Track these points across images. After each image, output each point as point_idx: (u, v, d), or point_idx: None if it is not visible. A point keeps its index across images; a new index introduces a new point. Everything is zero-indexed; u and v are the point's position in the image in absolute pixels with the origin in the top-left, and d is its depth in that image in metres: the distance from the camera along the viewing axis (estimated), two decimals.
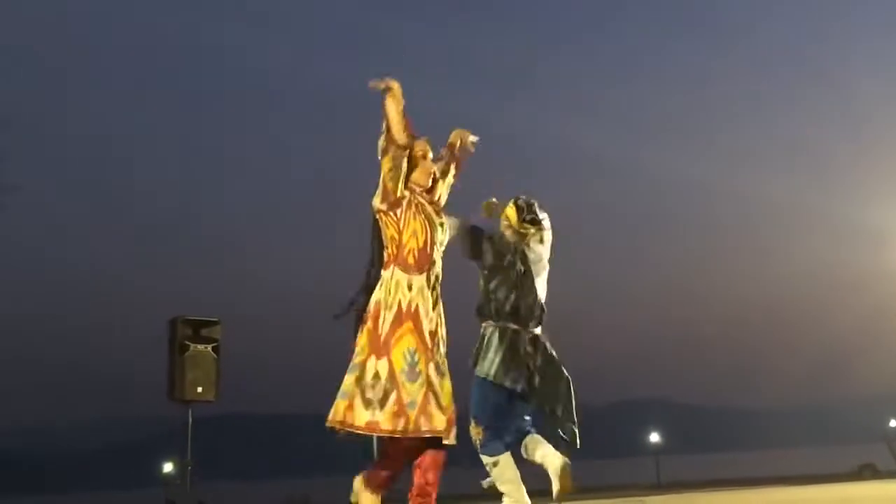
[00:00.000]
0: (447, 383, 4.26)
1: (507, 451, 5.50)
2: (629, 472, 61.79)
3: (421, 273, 4.31)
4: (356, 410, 4.13)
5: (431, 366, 4.22)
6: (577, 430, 5.58)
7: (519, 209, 5.71)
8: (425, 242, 4.34)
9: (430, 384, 4.17)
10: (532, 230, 5.70)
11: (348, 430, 4.15)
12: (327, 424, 4.16)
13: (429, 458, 4.26)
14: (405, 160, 4.36)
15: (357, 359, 4.22)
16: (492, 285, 5.65)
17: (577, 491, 5.39)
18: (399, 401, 4.11)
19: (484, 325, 5.65)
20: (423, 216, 4.40)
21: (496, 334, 5.55)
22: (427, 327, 4.26)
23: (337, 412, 4.14)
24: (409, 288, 4.28)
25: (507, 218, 5.74)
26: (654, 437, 67.41)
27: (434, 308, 4.32)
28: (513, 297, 5.63)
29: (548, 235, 5.78)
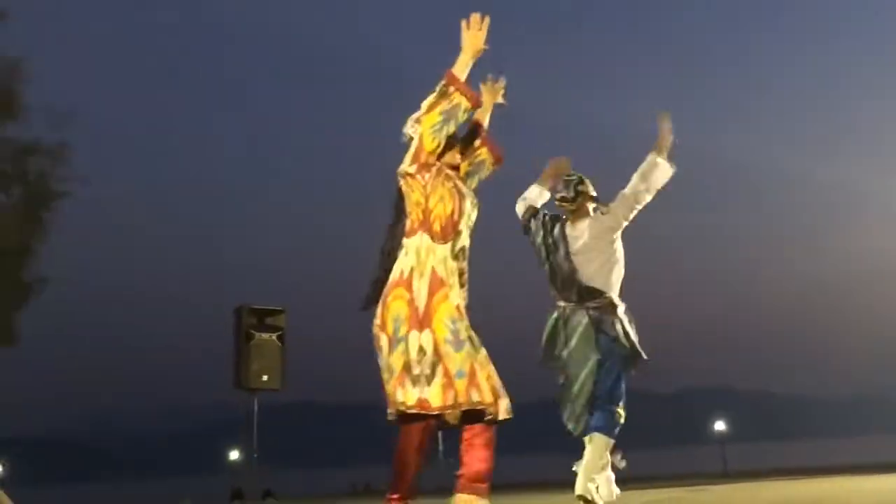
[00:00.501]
0: (484, 353, 3.95)
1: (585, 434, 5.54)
2: (695, 460, 61.24)
3: (445, 242, 3.99)
4: (406, 389, 3.83)
5: (473, 334, 3.92)
6: (572, 427, 5.58)
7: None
8: (453, 210, 4.02)
9: (473, 354, 3.86)
10: (567, 206, 5.79)
11: (399, 411, 3.86)
12: (388, 416, 3.91)
13: (481, 435, 3.93)
14: (456, 122, 4.03)
15: (399, 333, 3.87)
16: (538, 262, 5.77)
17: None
18: (447, 372, 3.81)
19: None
20: (452, 184, 4.07)
21: (552, 314, 5.70)
22: (455, 300, 3.93)
23: (392, 396, 3.87)
24: (436, 254, 3.96)
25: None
26: (720, 426, 65.68)
27: (462, 287, 4.02)
28: (548, 270, 5.73)
29: (593, 213, 5.80)
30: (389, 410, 3.85)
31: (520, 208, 5.98)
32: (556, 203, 5.89)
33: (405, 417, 3.83)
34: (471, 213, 4.09)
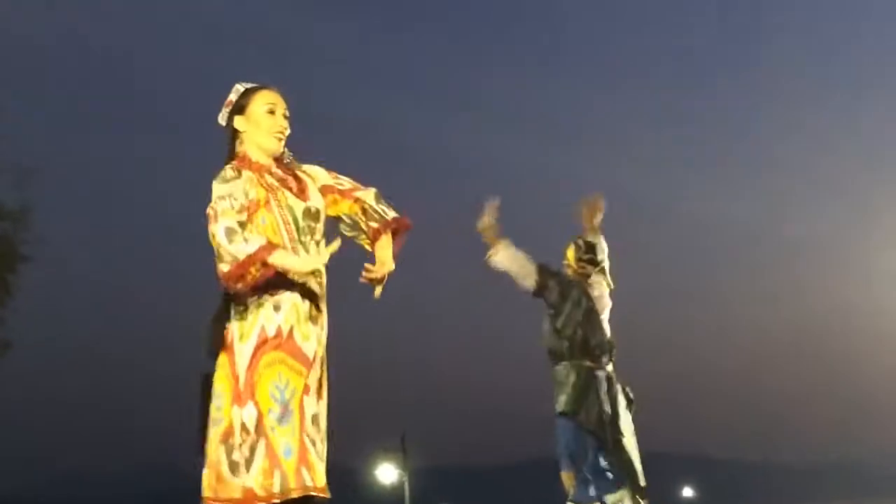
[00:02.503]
0: (323, 428, 3.20)
1: (597, 502, 5.57)
2: None
3: (290, 288, 3.12)
4: (225, 480, 3.01)
5: (311, 401, 3.13)
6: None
7: (577, 248, 5.96)
8: (284, 245, 3.13)
9: (305, 425, 3.09)
10: (590, 269, 5.93)
11: None
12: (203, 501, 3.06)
13: None
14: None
15: (218, 412, 3.07)
16: (558, 324, 5.82)
17: None
18: (271, 453, 3.01)
19: (557, 366, 5.82)
20: (275, 210, 3.19)
21: (572, 372, 5.72)
22: (310, 349, 3.15)
23: (208, 487, 3.04)
24: (277, 309, 3.10)
25: (567, 258, 6.04)
26: (687, 492, 70.67)
27: (316, 322, 3.20)
28: (580, 333, 5.80)
29: (605, 277, 6.03)
30: (204, 497, 3.06)
31: (524, 265, 5.86)
32: (578, 265, 5.96)
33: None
34: (312, 228, 3.27)
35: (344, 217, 3.47)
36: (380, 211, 3.45)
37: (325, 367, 3.27)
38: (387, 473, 44.47)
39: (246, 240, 3.03)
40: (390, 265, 3.37)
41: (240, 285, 3.04)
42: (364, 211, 3.45)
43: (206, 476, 3.08)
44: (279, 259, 3.05)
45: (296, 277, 3.14)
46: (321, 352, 3.24)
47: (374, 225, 3.44)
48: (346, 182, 3.50)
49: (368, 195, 3.47)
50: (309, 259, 3.17)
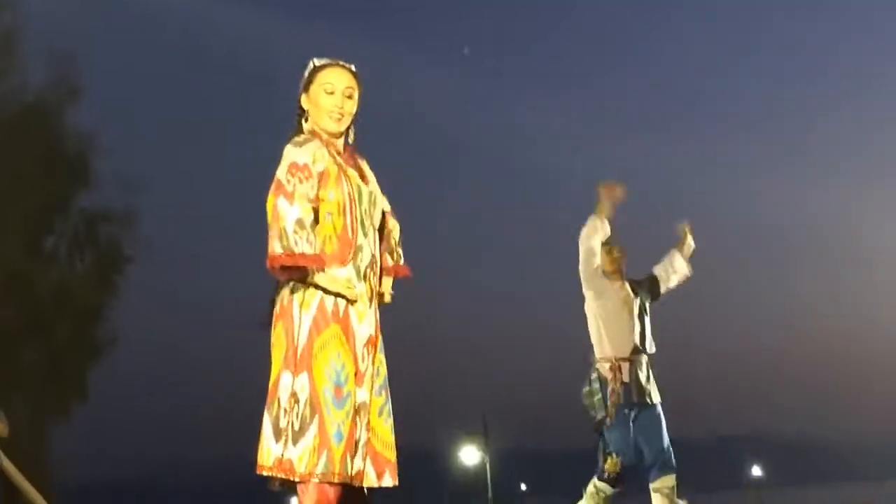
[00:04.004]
0: (385, 413, 3.06)
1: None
2: None
3: (343, 264, 2.96)
4: (264, 445, 2.87)
5: (361, 389, 2.96)
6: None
7: (608, 251, 5.85)
8: (345, 225, 2.98)
9: (360, 413, 2.94)
10: (624, 260, 5.90)
11: (267, 474, 2.87)
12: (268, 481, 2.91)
13: None
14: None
15: (271, 376, 2.93)
16: (606, 317, 5.76)
17: None
18: (323, 432, 2.81)
19: (600, 358, 5.77)
20: (342, 187, 3.01)
21: (615, 368, 5.70)
22: (364, 333, 2.99)
23: (261, 455, 2.89)
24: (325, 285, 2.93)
25: (602, 259, 5.83)
26: (756, 471, 69.58)
27: (370, 306, 3.05)
28: (628, 328, 5.78)
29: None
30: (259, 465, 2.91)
31: (593, 252, 5.74)
32: (617, 256, 5.83)
33: (286, 484, 2.87)
34: (371, 213, 3.11)
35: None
36: (398, 251, 3.34)
37: (380, 353, 3.13)
38: (469, 456, 44.74)
39: (310, 241, 2.93)
40: (387, 299, 3.25)
41: (283, 275, 2.96)
42: (388, 242, 3.30)
43: (260, 443, 2.96)
44: (323, 280, 2.96)
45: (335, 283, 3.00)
46: (375, 336, 3.09)
47: (389, 263, 3.29)
48: (386, 203, 3.32)
49: (396, 230, 3.34)
50: (344, 285, 2.99)
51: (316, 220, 3.00)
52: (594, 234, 5.76)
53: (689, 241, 6.16)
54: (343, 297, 2.98)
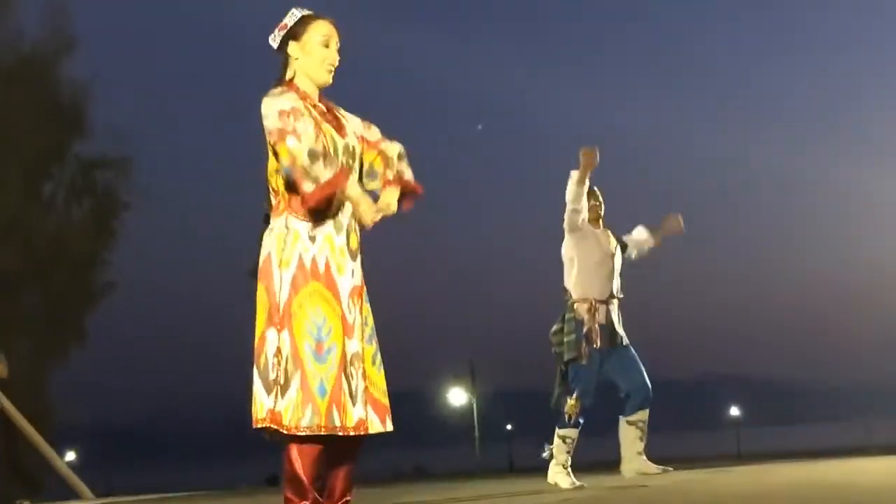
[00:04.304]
0: (378, 362, 3.06)
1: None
2: (711, 444, 59.43)
3: (323, 220, 2.93)
4: (257, 399, 2.87)
5: (352, 340, 2.95)
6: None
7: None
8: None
9: (345, 365, 2.91)
10: (599, 212, 5.99)
11: (262, 426, 2.86)
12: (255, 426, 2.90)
13: (339, 462, 3.02)
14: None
15: (256, 331, 2.93)
16: (585, 262, 5.87)
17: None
18: (305, 386, 2.83)
19: (578, 300, 5.83)
20: (322, 143, 2.95)
21: (593, 310, 5.79)
22: (347, 285, 2.95)
23: (254, 408, 2.89)
24: (312, 240, 2.93)
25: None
26: (734, 411, 69.75)
27: (354, 258, 3.01)
28: (606, 273, 5.92)
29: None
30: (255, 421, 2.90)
31: (579, 210, 5.84)
32: (594, 204, 5.97)
33: (276, 436, 2.90)
34: (350, 165, 3.05)
35: (366, 166, 3.19)
36: (399, 168, 3.21)
37: (366, 303, 3.07)
38: (457, 397, 45.23)
39: (329, 164, 2.88)
40: (392, 208, 3.12)
41: (323, 207, 2.90)
42: (385, 163, 3.19)
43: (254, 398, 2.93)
44: (353, 191, 2.95)
45: (334, 214, 2.96)
46: (360, 287, 3.04)
47: (389, 177, 3.17)
48: (375, 133, 3.24)
49: (393, 149, 3.22)
50: (374, 206, 2.99)
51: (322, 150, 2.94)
52: (578, 188, 5.77)
53: (672, 228, 6.31)
54: (362, 221, 3.00)
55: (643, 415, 5.92)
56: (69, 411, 25.29)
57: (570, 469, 5.79)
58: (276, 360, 2.85)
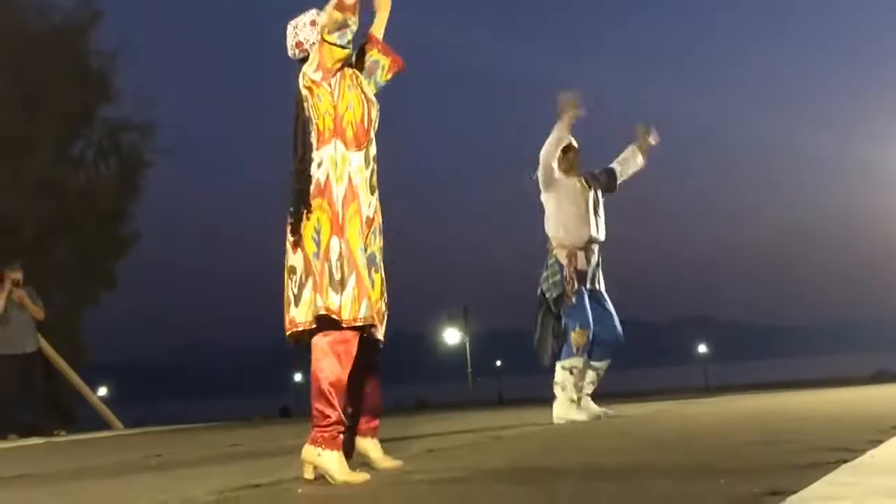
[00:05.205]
0: (381, 276, 3.31)
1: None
2: (680, 378, 59.37)
3: (360, 149, 3.27)
4: (328, 295, 3.08)
5: (371, 252, 3.27)
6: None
7: (564, 149, 5.80)
8: (363, 116, 3.31)
9: (371, 270, 3.23)
10: (578, 159, 5.86)
11: (319, 316, 3.08)
12: (298, 331, 3.17)
13: (371, 368, 3.36)
14: (354, 21, 3.26)
15: (322, 242, 3.14)
16: (562, 210, 5.76)
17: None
18: (360, 283, 3.11)
19: (557, 247, 5.77)
20: (357, 89, 3.36)
21: (571, 255, 5.72)
22: (365, 212, 3.25)
23: (311, 304, 3.12)
24: (351, 163, 3.24)
25: (559, 159, 5.84)
26: (702, 348, 70.09)
27: (373, 193, 3.32)
28: (583, 219, 5.77)
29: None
30: (303, 320, 3.13)
31: (553, 168, 5.77)
32: (571, 157, 5.81)
33: (326, 323, 3.09)
34: (376, 120, 3.42)
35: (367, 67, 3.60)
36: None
37: (380, 237, 3.36)
38: (451, 336, 45.56)
39: None
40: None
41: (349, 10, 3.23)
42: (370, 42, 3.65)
43: (308, 293, 3.14)
44: None
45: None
46: (378, 221, 3.35)
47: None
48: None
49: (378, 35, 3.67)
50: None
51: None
52: (555, 149, 5.73)
53: (650, 140, 6.12)
54: None
55: (605, 364, 5.84)
56: (101, 351, 25.80)
57: (583, 400, 5.65)
58: (338, 262, 3.10)
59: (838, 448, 2.95)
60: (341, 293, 3.08)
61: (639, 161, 6.10)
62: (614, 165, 6.09)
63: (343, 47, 3.24)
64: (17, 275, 9.29)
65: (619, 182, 6.09)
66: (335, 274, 3.09)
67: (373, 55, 3.60)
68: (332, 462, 3.02)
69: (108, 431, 10.54)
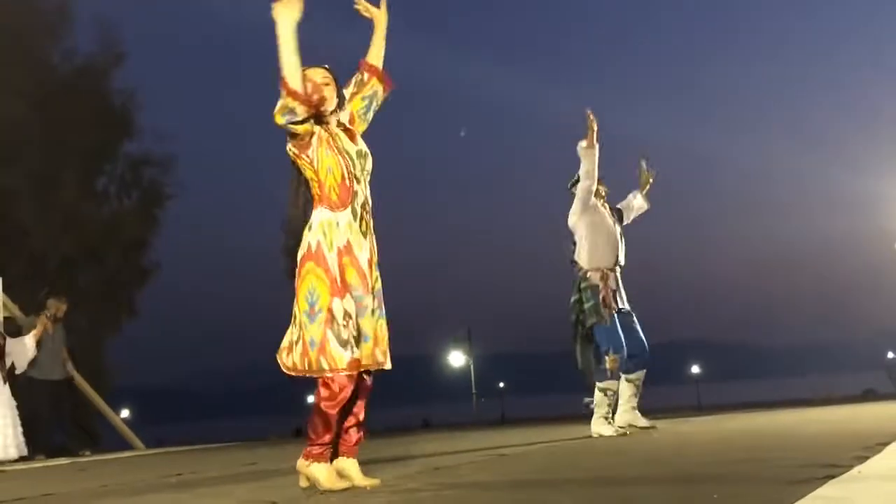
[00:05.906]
0: (383, 318, 3.43)
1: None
2: (673, 398, 68.19)
3: (345, 207, 3.33)
4: (334, 353, 3.21)
5: (371, 297, 3.34)
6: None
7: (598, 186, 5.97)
8: (343, 176, 3.33)
9: (375, 314, 3.36)
10: (604, 193, 6.01)
11: (328, 377, 3.24)
12: (295, 374, 3.31)
13: (365, 391, 3.44)
14: (304, 107, 3.22)
15: (318, 305, 3.24)
16: (598, 233, 5.89)
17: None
18: (371, 335, 3.32)
19: (591, 269, 5.84)
20: (335, 149, 3.36)
21: (605, 277, 5.81)
22: (364, 257, 3.34)
23: (311, 361, 3.23)
24: (338, 225, 3.32)
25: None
26: (695, 369, 68.69)
27: (366, 237, 3.38)
28: (614, 243, 5.94)
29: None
30: (301, 370, 3.27)
31: (593, 189, 5.86)
32: (603, 194, 6.03)
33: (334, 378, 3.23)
34: (362, 166, 3.42)
35: (364, 100, 3.62)
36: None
37: (377, 271, 3.43)
38: (456, 359, 45.44)
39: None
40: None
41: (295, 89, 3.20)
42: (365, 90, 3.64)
43: (300, 355, 3.26)
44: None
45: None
46: (374, 257, 3.41)
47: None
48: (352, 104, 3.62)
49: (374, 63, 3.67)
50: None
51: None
52: (594, 173, 5.81)
53: (647, 178, 6.23)
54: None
55: (641, 374, 5.95)
56: (123, 375, 25.74)
57: (611, 419, 5.77)
58: (345, 321, 3.24)
59: (826, 464, 2.97)
60: (356, 348, 3.25)
61: (641, 205, 6.26)
62: (620, 206, 6.23)
63: (299, 123, 3.25)
64: (62, 306, 9.33)
65: (625, 221, 6.22)
66: (342, 333, 3.23)
67: (373, 84, 3.63)
68: (320, 473, 3.29)
69: (131, 451, 10.50)
